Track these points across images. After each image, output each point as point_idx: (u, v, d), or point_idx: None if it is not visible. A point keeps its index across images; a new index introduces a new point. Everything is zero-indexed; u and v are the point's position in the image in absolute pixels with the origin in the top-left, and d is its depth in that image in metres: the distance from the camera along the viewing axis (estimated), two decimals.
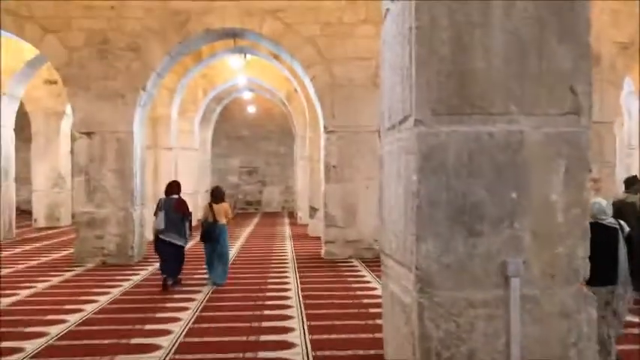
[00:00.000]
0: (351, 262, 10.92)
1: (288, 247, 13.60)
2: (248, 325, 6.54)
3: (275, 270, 10.35)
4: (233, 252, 12.58)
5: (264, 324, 6.57)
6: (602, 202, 4.66)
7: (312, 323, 6.55)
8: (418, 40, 3.29)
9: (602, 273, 3.99)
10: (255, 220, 22.25)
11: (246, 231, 17.68)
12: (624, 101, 16.85)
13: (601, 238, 4.02)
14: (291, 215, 23.61)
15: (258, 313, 7.14)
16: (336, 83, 11.11)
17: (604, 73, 11.27)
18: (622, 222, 4.71)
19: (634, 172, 15.92)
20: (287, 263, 11.09)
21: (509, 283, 3.25)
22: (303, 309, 7.26)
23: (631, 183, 8.01)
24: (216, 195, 9.18)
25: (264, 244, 14.45)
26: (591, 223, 3.47)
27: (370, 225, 10.98)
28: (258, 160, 27.17)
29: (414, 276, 3.31)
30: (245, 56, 16.95)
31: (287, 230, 17.99)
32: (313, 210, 15.73)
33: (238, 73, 18.04)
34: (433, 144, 3.28)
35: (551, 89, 3.31)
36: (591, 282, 3.42)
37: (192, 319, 6.78)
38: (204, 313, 7.15)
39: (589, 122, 3.34)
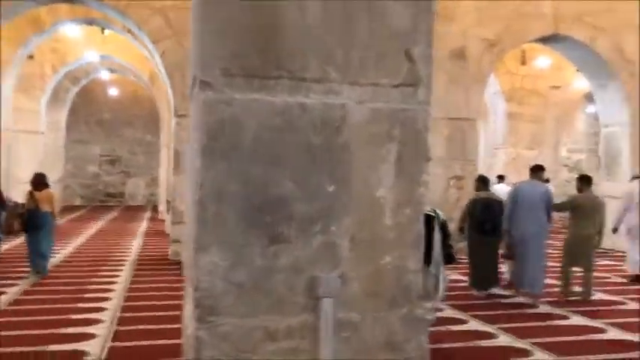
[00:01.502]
0: None
1: (135, 246, 12.24)
2: (47, 332, 5.56)
3: (106, 272, 9.11)
4: (67, 251, 11.08)
5: (66, 330, 5.63)
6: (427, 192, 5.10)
7: (122, 328, 5.72)
8: None
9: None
10: (112, 214, 20.40)
11: (94, 227, 15.98)
12: (490, 101, 17.19)
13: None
14: (156, 209, 22.02)
15: (64, 317, 6.19)
16: (188, 59, 9.94)
17: (469, 69, 11.10)
18: (437, 210, 5.21)
19: (498, 172, 16.24)
20: (124, 265, 9.84)
21: (320, 305, 2.44)
22: (118, 314, 6.39)
23: (484, 181, 7.90)
24: (37, 182, 8.35)
25: (110, 242, 12.96)
26: None
27: None
28: (122, 148, 25.12)
29: (193, 299, 2.41)
30: (103, 31, 15.31)
31: (143, 226, 16.53)
32: (169, 204, 14.46)
33: (91, 48, 16.27)
34: (223, 117, 2.39)
35: (382, 53, 2.55)
36: None
37: None
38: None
39: (428, 97, 2.62)
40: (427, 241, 4.54)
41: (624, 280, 8.50)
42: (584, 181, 7.43)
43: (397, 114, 2.56)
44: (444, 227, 5.25)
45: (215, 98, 2.38)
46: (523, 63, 16.32)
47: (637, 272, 8.58)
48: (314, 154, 2.47)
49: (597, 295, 7.30)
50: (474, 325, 5.88)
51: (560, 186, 18.26)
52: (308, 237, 2.46)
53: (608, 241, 10.94)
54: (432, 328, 5.32)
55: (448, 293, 7.00)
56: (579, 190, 7.43)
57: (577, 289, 7.31)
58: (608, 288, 7.88)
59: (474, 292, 7.41)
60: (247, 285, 2.40)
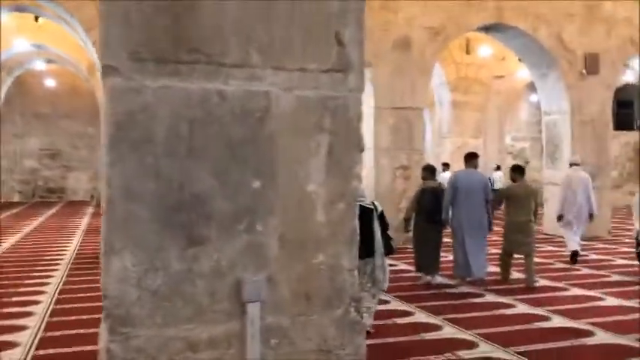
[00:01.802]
0: None
1: (74, 244, 11.73)
2: None
3: (40, 272, 8.65)
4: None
5: None
6: (360, 185, 5.24)
7: (49, 335, 5.39)
8: None
9: (362, 248, 4.59)
10: (52, 210, 19.62)
11: (32, 224, 15.27)
12: (436, 92, 17.29)
13: (361, 218, 4.66)
14: (99, 205, 21.27)
15: None
16: None
17: (414, 59, 11.04)
18: (376, 202, 5.34)
19: (445, 161, 16.38)
20: (59, 264, 9.37)
21: (246, 310, 2.24)
22: (46, 319, 6.00)
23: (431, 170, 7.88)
24: None
25: (47, 239, 12.40)
26: None
27: None
28: (62, 141, 24.16)
29: (103, 308, 2.17)
30: (37, 19, 14.58)
31: (84, 222, 15.92)
32: None
33: (21, 37, 15.48)
34: (133, 106, 2.15)
35: (309, 35, 2.35)
36: None
37: None
38: None
39: (361, 83, 2.43)
40: (368, 233, 4.90)
41: (567, 266, 8.65)
42: (517, 171, 7.61)
43: (327, 102, 2.37)
44: (382, 218, 5.31)
45: (123, 86, 2.14)
46: (467, 52, 16.46)
47: (574, 249, 8.86)
48: (236, 147, 2.26)
49: (541, 282, 7.36)
50: (420, 316, 5.80)
51: (506, 174, 18.58)
52: (231, 237, 2.25)
53: (550, 227, 11.15)
54: (379, 322, 5.27)
55: (396, 284, 6.98)
56: (513, 179, 7.63)
57: (518, 275, 7.44)
58: (551, 274, 7.97)
59: (422, 278, 7.40)
60: (164, 292, 2.17)
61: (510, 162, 21.21)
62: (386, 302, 6.15)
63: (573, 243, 8.90)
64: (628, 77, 19.49)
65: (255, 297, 2.24)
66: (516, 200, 7.26)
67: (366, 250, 4.89)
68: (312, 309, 2.37)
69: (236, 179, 2.25)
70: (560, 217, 9.05)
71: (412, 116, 11.02)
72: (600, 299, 6.48)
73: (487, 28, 12.04)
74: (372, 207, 5.21)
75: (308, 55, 2.34)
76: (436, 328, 5.39)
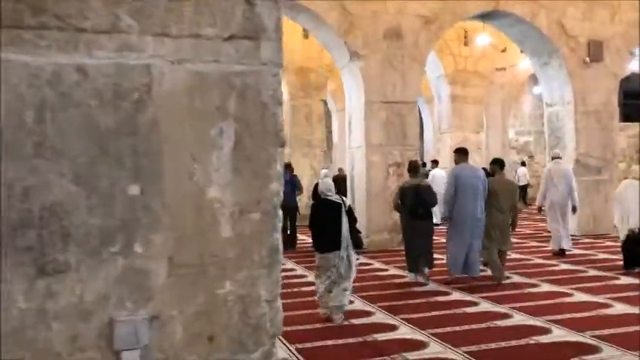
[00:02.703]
0: None
1: None
2: None
3: None
4: None
5: None
6: (329, 180, 5.57)
7: None
8: None
9: (330, 242, 5.13)
10: None
11: None
12: (434, 85, 16.67)
13: (329, 212, 5.21)
14: None
15: None
16: None
17: (407, 49, 10.43)
18: (344, 198, 5.42)
19: (446, 157, 15.77)
20: None
21: None
22: None
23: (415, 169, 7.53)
24: None
25: None
26: (320, 200, 5.32)
27: None
28: None
29: None
30: None
31: None
32: None
33: None
34: None
35: None
36: (322, 250, 5.15)
37: None
38: None
39: (277, 55, 1.85)
40: (336, 227, 5.12)
41: (544, 262, 8.19)
42: (497, 165, 7.41)
43: (232, 79, 1.79)
44: (350, 214, 5.37)
45: None
46: (466, 44, 15.82)
47: (561, 247, 8.74)
48: (105, 141, 1.68)
49: (514, 278, 6.94)
50: (379, 316, 5.36)
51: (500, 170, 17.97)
52: (100, 263, 1.67)
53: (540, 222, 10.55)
54: (337, 323, 4.94)
55: (367, 284, 6.63)
56: (492, 174, 7.42)
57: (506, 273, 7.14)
58: (527, 270, 7.49)
59: (412, 277, 7.03)
60: (4, 341, 1.60)
61: (514, 157, 20.60)
62: (349, 302, 5.71)
63: (559, 241, 8.83)
64: (634, 66, 18.82)
65: (132, 343, 1.67)
66: (496, 195, 6.99)
67: (333, 243, 5.13)
68: (218, 354, 1.79)
69: (106, 184, 1.68)
70: (540, 209, 9.17)
71: (405, 110, 10.39)
72: (568, 295, 6.05)
73: (483, 16, 11.41)
74: (340, 201, 5.26)
75: (203, 17, 1.76)
76: (392, 328, 4.97)
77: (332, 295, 5.15)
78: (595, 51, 11.44)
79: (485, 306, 5.75)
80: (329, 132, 20.51)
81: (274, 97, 1.84)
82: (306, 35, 13.48)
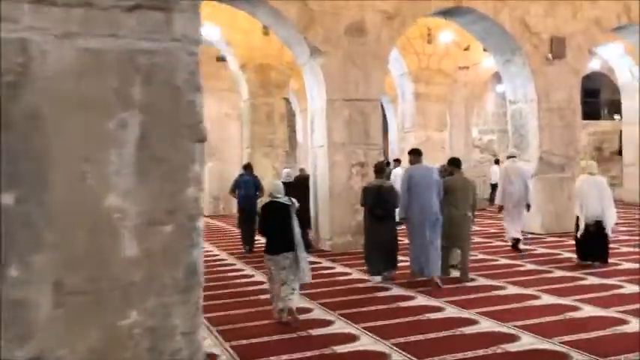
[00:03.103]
0: None
1: None
2: None
3: None
4: None
5: None
6: (279, 182, 5.66)
7: None
8: None
9: (280, 243, 5.09)
10: None
11: None
12: (398, 83, 16.50)
13: (278, 213, 5.18)
14: None
15: None
16: None
17: (369, 45, 10.16)
18: (293, 199, 5.34)
19: (403, 156, 15.61)
20: None
21: None
22: None
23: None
24: None
25: None
26: (269, 201, 5.28)
27: None
28: None
29: None
30: None
31: None
32: None
33: None
34: None
35: None
36: (271, 251, 5.11)
37: None
38: None
39: (193, 30, 1.51)
40: (287, 228, 5.11)
41: (509, 262, 8.03)
42: (454, 164, 7.47)
43: (135, 59, 1.44)
44: (298, 215, 5.37)
45: None
46: (429, 42, 15.67)
47: (514, 237, 8.96)
48: None
49: (479, 280, 6.72)
50: (339, 325, 5.06)
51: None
52: None
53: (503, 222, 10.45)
54: (293, 335, 4.68)
55: (327, 289, 6.35)
56: (450, 173, 7.44)
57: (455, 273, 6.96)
58: (492, 272, 7.30)
59: (373, 280, 6.80)
60: None
61: (477, 155, 20.61)
62: (308, 311, 5.39)
63: (513, 232, 9.06)
64: (595, 65, 18.98)
65: None
66: (454, 194, 6.99)
67: (285, 244, 5.08)
68: None
69: None
70: (500, 209, 9.28)
71: (368, 108, 10.11)
72: (536, 298, 5.87)
73: (446, 13, 11.22)
74: (290, 203, 5.25)
75: None
76: (352, 338, 4.68)
77: (282, 295, 5.10)
78: (557, 48, 11.37)
79: (451, 311, 5.50)
80: (292, 131, 20.20)
81: (191, 82, 1.50)
82: (266, 32, 13.11)
